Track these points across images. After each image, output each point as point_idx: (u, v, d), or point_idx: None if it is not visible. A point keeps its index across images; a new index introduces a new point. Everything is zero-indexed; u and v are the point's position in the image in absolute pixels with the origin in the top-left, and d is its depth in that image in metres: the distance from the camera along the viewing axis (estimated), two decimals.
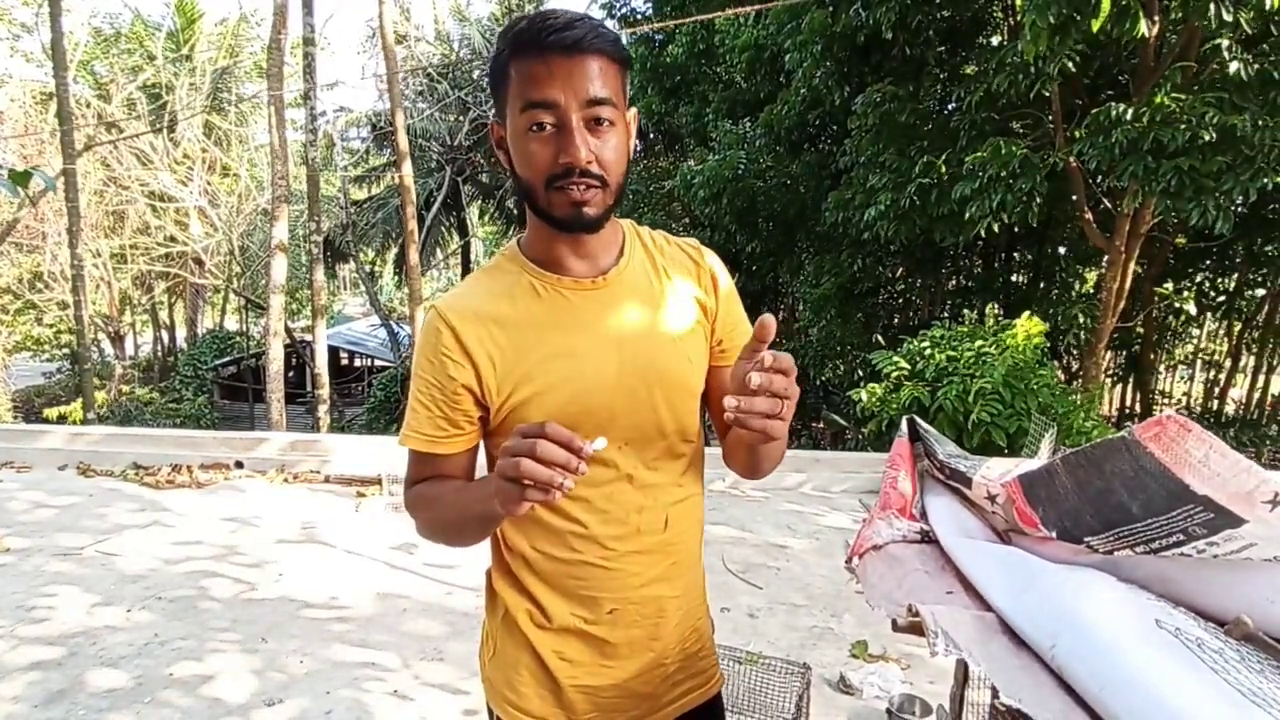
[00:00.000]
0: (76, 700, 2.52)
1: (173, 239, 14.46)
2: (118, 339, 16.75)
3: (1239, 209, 6.58)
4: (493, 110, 0.95)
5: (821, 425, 10.21)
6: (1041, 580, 0.83)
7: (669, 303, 0.98)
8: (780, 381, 0.73)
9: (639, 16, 12.24)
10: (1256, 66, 5.04)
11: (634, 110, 0.93)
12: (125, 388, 14.48)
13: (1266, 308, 10.12)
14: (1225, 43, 4.97)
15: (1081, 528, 0.88)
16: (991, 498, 1.07)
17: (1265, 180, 4.85)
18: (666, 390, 0.96)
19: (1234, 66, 4.92)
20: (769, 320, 0.74)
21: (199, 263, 14.78)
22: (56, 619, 3.11)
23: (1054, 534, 0.93)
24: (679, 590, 1.02)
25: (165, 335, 20.61)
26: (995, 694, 0.72)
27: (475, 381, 0.92)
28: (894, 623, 0.87)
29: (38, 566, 3.66)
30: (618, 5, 12.32)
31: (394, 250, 19.22)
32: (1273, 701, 0.59)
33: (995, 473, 1.08)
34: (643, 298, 0.97)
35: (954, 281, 10.22)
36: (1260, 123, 4.80)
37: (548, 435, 0.71)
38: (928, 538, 1.12)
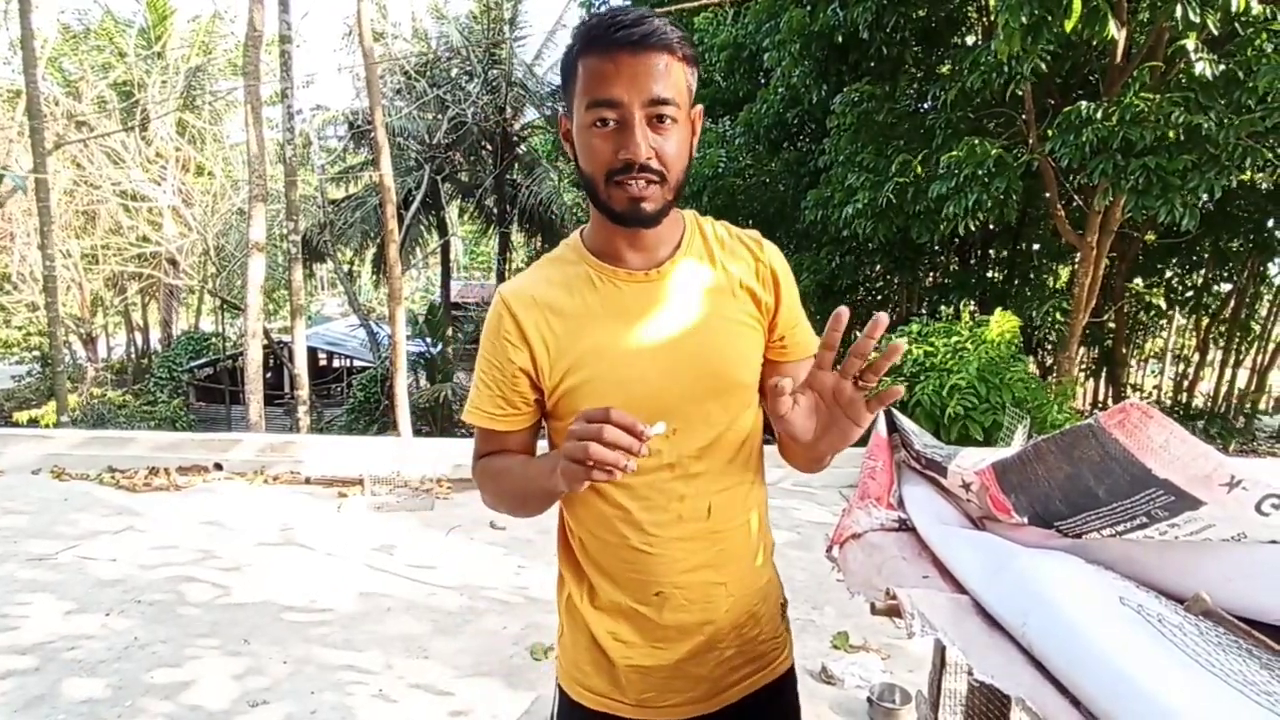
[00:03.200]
0: (56, 705, 2.48)
1: (146, 239, 14.22)
2: (90, 341, 16.44)
3: (1206, 206, 6.74)
4: (562, 104, 0.99)
5: None
6: (1013, 563, 0.86)
7: (724, 297, 0.99)
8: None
9: None
10: (1222, 67, 5.16)
11: (699, 107, 0.94)
12: (98, 390, 14.21)
13: (1233, 303, 10.36)
14: (1191, 44, 5.08)
15: (1051, 513, 0.91)
16: (966, 486, 1.10)
17: (1229, 178, 4.97)
18: (715, 383, 0.97)
19: (1200, 67, 5.04)
20: (882, 319, 0.76)
21: (173, 263, 14.54)
22: (31, 626, 3.06)
23: (1025, 520, 0.96)
24: (727, 577, 1.03)
25: (139, 337, 20.24)
26: (972, 673, 0.75)
27: (530, 365, 0.97)
28: (872, 606, 0.89)
29: (10, 573, 3.59)
30: (597, 2, 12.32)
31: (372, 250, 19.02)
32: (1228, 671, 0.62)
33: (969, 462, 1.11)
34: (697, 291, 0.98)
35: (931, 278, 10.36)
36: (1225, 121, 4.92)
37: (612, 420, 0.75)
38: (905, 525, 1.15)
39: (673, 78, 0.86)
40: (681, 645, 1.01)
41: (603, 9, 12.32)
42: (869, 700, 2.46)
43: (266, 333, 14.34)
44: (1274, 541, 0.74)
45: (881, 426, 1.32)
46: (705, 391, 0.97)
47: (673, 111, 0.86)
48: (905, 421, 1.31)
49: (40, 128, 7.78)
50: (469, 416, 1.03)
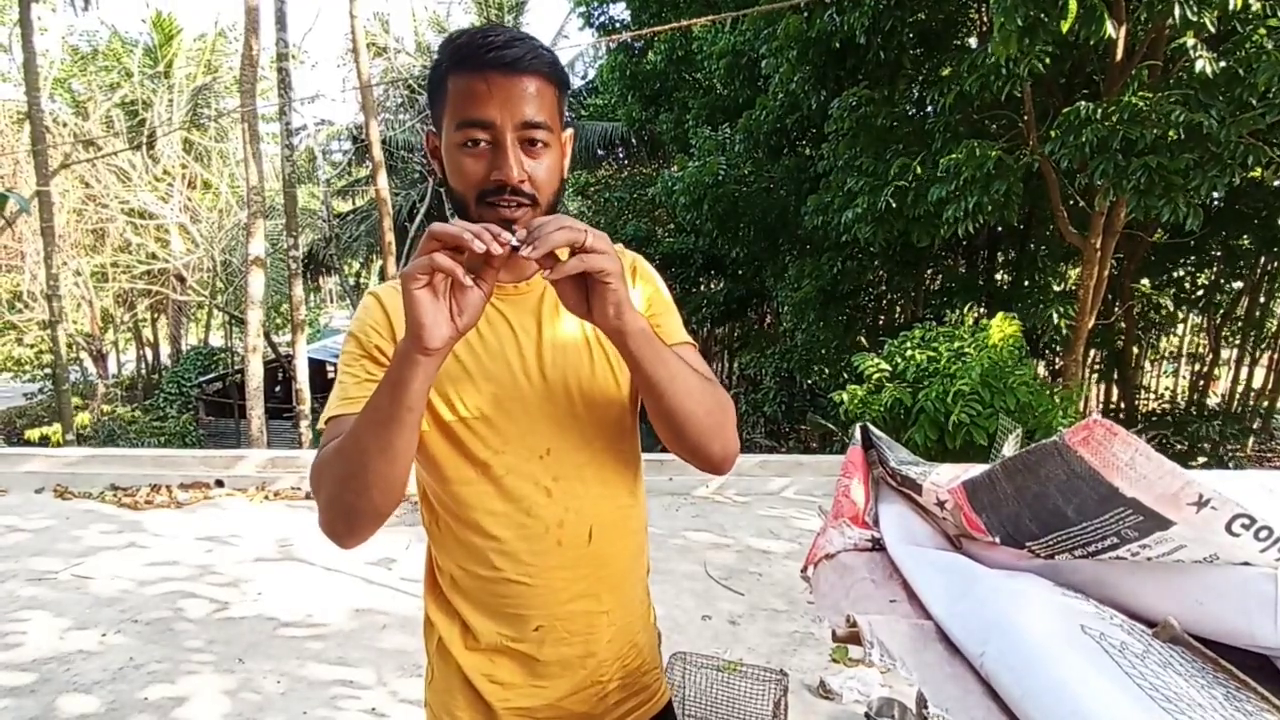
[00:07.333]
0: None
1: (154, 256, 14.36)
2: (100, 357, 16.59)
3: (1215, 203, 6.65)
4: (430, 119, 0.94)
5: (808, 428, 10.23)
6: (977, 587, 0.84)
7: None
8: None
9: (617, 25, 12.30)
10: (1222, 65, 5.10)
11: (569, 131, 0.93)
12: (108, 407, 14.32)
13: (1246, 301, 10.23)
14: (1190, 41, 5.03)
15: (1022, 532, 0.88)
16: (941, 504, 1.07)
17: (1232, 177, 4.91)
18: (588, 397, 0.94)
19: (1200, 65, 4.98)
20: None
21: (181, 279, 14.67)
22: (29, 644, 3.06)
23: (997, 539, 0.93)
24: (609, 605, 0.99)
25: (149, 353, 20.43)
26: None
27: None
28: (834, 633, 0.86)
29: (11, 592, 3.60)
30: (596, 14, 12.37)
31: (379, 262, 19.14)
32: (1189, 705, 0.59)
33: (944, 479, 1.07)
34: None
35: (937, 282, 10.28)
36: (1225, 119, 4.85)
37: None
38: (879, 545, 1.12)
39: (545, 101, 0.85)
40: (563, 681, 0.97)
41: (602, 19, 12.39)
42: (866, 715, 2.41)
43: (274, 346, 14.44)
44: (1246, 563, 0.71)
45: (857, 440, 1.29)
46: (580, 407, 0.94)
47: (545, 135, 0.85)
48: (880, 437, 1.28)
49: (44, 150, 7.87)
50: (340, 409, 0.88)
